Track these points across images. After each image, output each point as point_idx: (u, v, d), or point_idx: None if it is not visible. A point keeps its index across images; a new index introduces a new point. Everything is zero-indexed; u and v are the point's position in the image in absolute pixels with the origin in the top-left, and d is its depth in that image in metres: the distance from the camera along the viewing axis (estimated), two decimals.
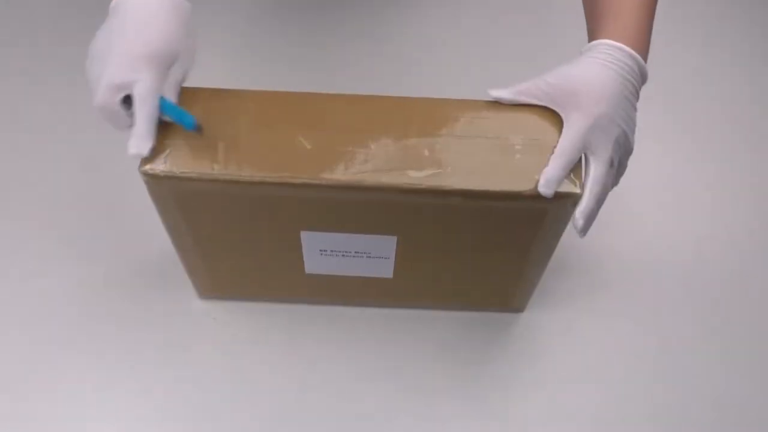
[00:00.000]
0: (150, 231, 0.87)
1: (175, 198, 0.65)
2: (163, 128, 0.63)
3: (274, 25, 1.17)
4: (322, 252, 0.74)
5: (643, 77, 0.66)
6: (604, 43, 0.64)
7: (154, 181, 0.63)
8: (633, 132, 0.66)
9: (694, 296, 0.89)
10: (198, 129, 0.62)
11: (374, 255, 0.74)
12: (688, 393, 0.82)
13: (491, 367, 0.84)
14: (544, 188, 0.62)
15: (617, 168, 0.66)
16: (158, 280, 0.88)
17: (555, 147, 0.63)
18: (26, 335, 0.84)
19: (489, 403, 0.81)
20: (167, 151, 0.62)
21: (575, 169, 0.63)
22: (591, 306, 0.88)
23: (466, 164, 0.63)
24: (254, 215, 0.68)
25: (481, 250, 0.73)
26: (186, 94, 0.65)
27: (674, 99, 1.09)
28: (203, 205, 0.66)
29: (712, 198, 0.99)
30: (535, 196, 0.62)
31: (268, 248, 0.74)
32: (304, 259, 0.75)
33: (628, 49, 0.64)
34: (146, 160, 0.62)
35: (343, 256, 0.74)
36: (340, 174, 0.62)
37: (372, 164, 0.62)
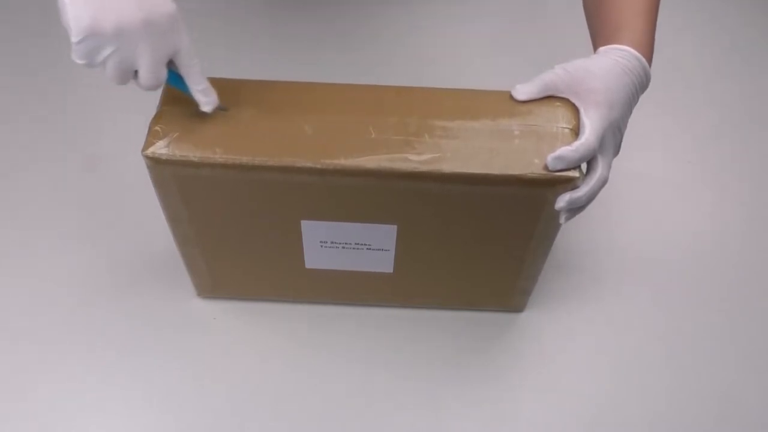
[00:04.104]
0: (150, 231, 0.89)
1: (177, 183, 0.66)
2: (167, 113, 0.64)
3: (277, 19, 1.19)
4: (322, 244, 0.74)
5: (645, 88, 0.67)
6: (627, 51, 0.65)
7: (156, 165, 0.63)
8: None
9: (694, 295, 0.89)
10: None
11: (375, 247, 0.74)
12: (689, 392, 0.82)
13: (491, 367, 0.83)
14: (554, 162, 0.62)
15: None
16: (158, 279, 0.88)
17: (554, 133, 0.64)
18: (25, 334, 0.83)
19: (489, 402, 0.80)
20: (170, 136, 0.63)
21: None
22: (590, 305, 0.88)
23: (466, 149, 0.64)
24: (255, 202, 0.68)
25: (481, 242, 0.74)
26: None
27: (674, 97, 1.10)
28: (205, 191, 0.67)
29: (711, 197, 1.00)
30: (535, 181, 0.63)
31: (268, 240, 0.74)
32: (305, 251, 0.75)
33: (644, 61, 0.65)
34: (149, 143, 0.63)
35: (343, 248, 0.74)
36: (341, 158, 0.63)
37: (372, 149, 0.63)
